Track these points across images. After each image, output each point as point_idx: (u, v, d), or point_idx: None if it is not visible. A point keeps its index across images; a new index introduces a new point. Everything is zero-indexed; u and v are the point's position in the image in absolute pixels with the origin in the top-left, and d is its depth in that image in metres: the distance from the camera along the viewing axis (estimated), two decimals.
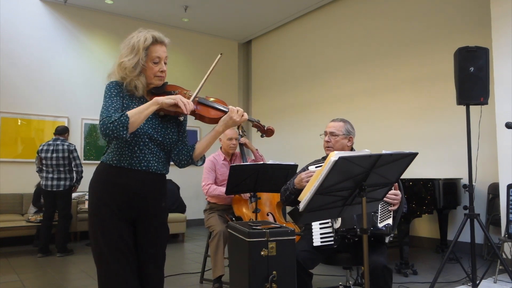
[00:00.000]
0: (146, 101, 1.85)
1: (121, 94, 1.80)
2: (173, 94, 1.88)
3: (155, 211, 1.90)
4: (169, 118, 1.92)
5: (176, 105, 1.75)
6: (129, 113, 1.69)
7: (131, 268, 1.80)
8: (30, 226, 5.54)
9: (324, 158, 2.69)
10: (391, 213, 2.32)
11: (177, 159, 1.95)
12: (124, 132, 1.66)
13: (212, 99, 1.98)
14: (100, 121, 1.68)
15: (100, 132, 1.68)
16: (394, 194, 2.31)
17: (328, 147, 2.63)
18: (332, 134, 2.62)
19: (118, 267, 1.76)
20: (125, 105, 1.80)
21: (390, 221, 2.30)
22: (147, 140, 1.83)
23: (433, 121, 5.48)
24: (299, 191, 2.40)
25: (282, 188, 2.64)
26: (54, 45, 6.90)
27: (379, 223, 2.28)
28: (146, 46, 1.80)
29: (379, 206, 2.29)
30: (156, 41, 1.83)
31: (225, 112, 1.91)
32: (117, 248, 1.76)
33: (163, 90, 1.90)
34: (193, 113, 1.88)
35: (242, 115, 1.90)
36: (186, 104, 1.75)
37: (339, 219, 2.34)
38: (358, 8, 6.68)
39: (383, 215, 2.31)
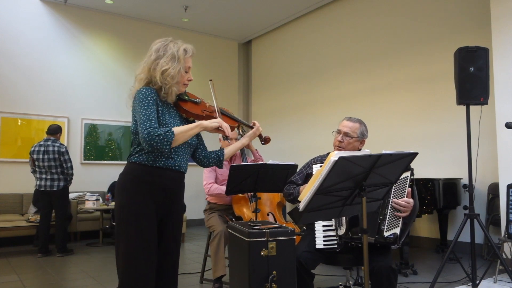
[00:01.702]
0: (174, 110, 2.01)
1: (156, 102, 1.88)
2: (197, 102, 2.08)
3: (180, 207, 2.06)
4: (191, 122, 2.08)
5: (218, 128, 1.94)
6: (176, 130, 1.81)
7: (154, 268, 1.88)
8: (30, 226, 5.54)
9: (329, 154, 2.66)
10: (400, 221, 2.20)
11: (206, 161, 2.17)
12: (167, 148, 1.79)
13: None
14: (144, 130, 1.76)
15: (144, 141, 1.77)
16: (406, 202, 2.19)
17: (339, 147, 2.52)
18: (346, 135, 2.51)
19: (145, 268, 1.84)
20: (160, 112, 1.90)
21: (397, 230, 2.19)
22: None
23: (433, 121, 5.48)
24: None
25: (286, 190, 2.59)
26: (54, 45, 6.90)
27: (386, 231, 2.19)
28: (187, 57, 1.96)
29: (388, 212, 2.20)
30: (191, 54, 2.00)
31: (238, 121, 2.20)
32: (148, 249, 1.85)
33: (187, 96, 2.06)
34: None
35: (259, 130, 2.26)
36: (228, 128, 1.95)
37: (344, 225, 2.28)
38: (358, 8, 6.68)
39: (391, 223, 2.21)
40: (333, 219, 2.35)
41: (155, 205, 1.90)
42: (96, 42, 7.34)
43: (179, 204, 2.05)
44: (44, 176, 5.18)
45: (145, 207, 1.86)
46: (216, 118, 2.04)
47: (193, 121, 2.11)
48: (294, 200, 2.48)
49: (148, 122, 1.79)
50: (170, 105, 2.01)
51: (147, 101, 1.84)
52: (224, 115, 2.15)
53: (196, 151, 2.15)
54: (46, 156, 5.15)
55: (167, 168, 1.91)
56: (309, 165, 2.64)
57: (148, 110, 1.82)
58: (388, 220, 2.20)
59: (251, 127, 2.24)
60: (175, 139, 1.80)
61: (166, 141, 1.76)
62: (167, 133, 1.77)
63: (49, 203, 5.26)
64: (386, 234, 2.19)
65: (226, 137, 1.96)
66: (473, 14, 5.17)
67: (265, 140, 2.41)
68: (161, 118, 1.90)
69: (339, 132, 2.54)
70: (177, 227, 2.04)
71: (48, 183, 5.17)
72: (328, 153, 2.64)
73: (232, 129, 2.15)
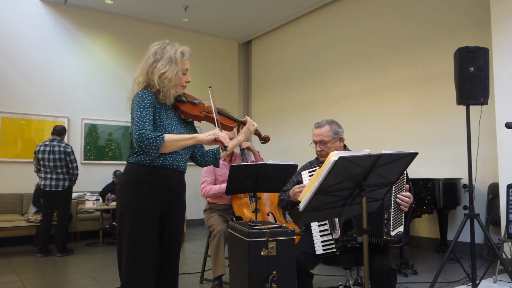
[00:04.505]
0: (172, 111, 2.02)
1: (153, 105, 1.90)
2: (195, 103, 2.07)
3: (181, 206, 2.08)
4: (189, 123, 2.11)
5: (216, 140, 1.93)
6: (167, 137, 1.81)
7: (155, 268, 1.91)
8: (30, 226, 5.54)
9: (317, 158, 2.67)
10: (403, 218, 2.22)
11: (202, 159, 2.20)
12: (154, 153, 1.79)
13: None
14: (136, 132, 1.78)
15: (135, 142, 1.79)
16: (408, 197, 2.21)
17: (322, 155, 2.57)
18: (321, 142, 2.56)
19: (147, 267, 1.86)
20: (157, 114, 1.92)
21: (401, 228, 2.21)
22: None
23: (433, 121, 5.48)
24: (295, 202, 2.43)
25: (279, 198, 2.66)
26: (54, 45, 6.90)
27: (392, 231, 2.20)
28: (184, 59, 1.97)
29: (392, 212, 2.21)
30: (188, 56, 2.01)
31: (236, 121, 2.19)
32: (150, 249, 1.87)
33: (185, 97, 2.07)
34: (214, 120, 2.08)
35: (253, 124, 2.24)
36: (226, 137, 1.94)
37: (338, 228, 2.29)
38: (358, 8, 6.68)
39: (396, 222, 2.22)
40: (327, 223, 2.36)
41: (156, 204, 1.92)
42: (96, 42, 7.34)
43: (180, 204, 2.06)
44: (49, 175, 5.19)
45: (146, 206, 1.89)
46: (213, 118, 2.03)
47: (191, 122, 2.13)
48: (287, 205, 2.52)
49: (142, 123, 1.81)
50: (169, 106, 2.03)
51: (143, 104, 1.86)
52: (222, 115, 2.14)
53: (193, 150, 2.17)
54: (52, 156, 5.16)
55: (165, 167, 1.93)
56: (299, 173, 2.65)
57: (144, 112, 1.84)
58: (393, 219, 2.22)
59: (244, 124, 2.22)
60: (164, 146, 1.80)
61: (154, 146, 1.77)
62: (157, 138, 1.78)
63: (52, 202, 5.26)
64: (393, 233, 2.20)
65: (224, 148, 1.94)
66: (473, 14, 5.17)
67: (264, 139, 2.43)
68: (158, 120, 1.91)
69: (315, 143, 2.60)
70: (178, 227, 2.06)
71: (53, 182, 5.18)
72: (316, 158, 2.67)
73: (230, 129, 2.15)
